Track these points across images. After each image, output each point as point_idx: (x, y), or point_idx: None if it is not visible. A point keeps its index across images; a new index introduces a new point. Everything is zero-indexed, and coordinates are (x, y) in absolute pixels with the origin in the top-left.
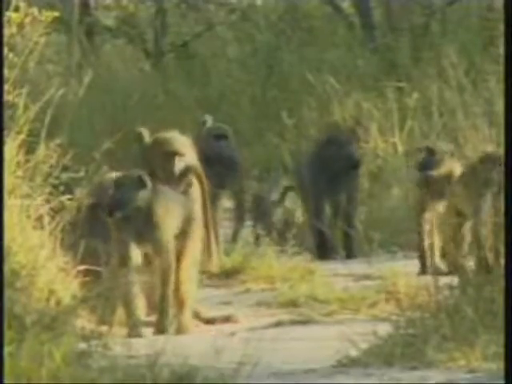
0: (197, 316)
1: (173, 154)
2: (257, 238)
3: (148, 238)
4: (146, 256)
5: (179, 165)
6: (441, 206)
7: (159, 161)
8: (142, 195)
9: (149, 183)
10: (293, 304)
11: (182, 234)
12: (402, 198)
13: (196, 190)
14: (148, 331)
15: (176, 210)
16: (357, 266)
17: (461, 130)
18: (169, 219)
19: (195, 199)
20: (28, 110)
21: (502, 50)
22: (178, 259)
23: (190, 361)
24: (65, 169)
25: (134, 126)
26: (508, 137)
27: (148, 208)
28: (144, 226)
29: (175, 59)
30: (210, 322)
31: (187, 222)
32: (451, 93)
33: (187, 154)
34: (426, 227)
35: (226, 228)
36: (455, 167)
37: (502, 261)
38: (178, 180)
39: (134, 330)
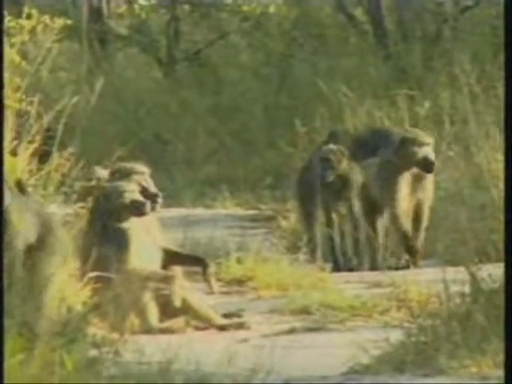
0: (209, 323)
1: None
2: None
3: None
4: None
5: None
6: None
7: None
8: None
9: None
10: (305, 311)
11: (38, 245)
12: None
13: None
14: (162, 338)
15: (30, 218)
16: (368, 274)
17: (473, 139)
18: (22, 227)
19: None
20: (40, 118)
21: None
22: (33, 271)
23: (203, 368)
24: (77, 178)
25: (146, 134)
26: (508, 136)
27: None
28: None
29: (188, 67)
30: (222, 328)
31: (43, 232)
32: (463, 101)
33: None
34: None
35: (236, 236)
36: None
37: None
38: None
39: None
